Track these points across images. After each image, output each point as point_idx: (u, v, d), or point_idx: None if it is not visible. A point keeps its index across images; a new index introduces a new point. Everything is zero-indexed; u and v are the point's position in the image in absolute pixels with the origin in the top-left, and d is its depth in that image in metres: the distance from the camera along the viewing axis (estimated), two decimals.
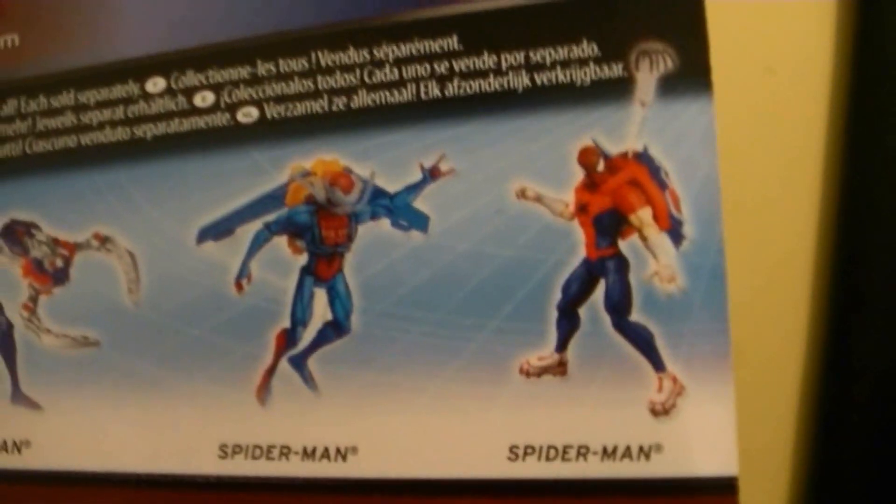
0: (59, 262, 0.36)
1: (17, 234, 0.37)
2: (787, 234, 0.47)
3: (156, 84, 0.36)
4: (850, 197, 0.44)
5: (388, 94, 0.34)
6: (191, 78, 0.36)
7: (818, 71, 0.44)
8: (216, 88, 0.36)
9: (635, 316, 0.32)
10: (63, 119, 0.37)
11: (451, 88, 0.33)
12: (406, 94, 0.34)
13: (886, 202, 0.44)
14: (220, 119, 0.35)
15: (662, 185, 0.32)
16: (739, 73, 0.47)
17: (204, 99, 0.36)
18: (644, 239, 0.33)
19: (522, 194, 0.33)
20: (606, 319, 0.32)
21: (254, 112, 0.35)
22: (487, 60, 0.33)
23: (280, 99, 0.35)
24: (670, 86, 0.33)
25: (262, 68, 0.35)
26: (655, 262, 0.32)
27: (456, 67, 0.33)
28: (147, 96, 0.36)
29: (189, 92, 0.36)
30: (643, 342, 0.32)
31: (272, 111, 0.35)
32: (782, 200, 0.48)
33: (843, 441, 0.44)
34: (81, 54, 0.37)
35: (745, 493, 0.48)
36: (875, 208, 0.44)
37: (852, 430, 0.43)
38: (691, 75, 0.33)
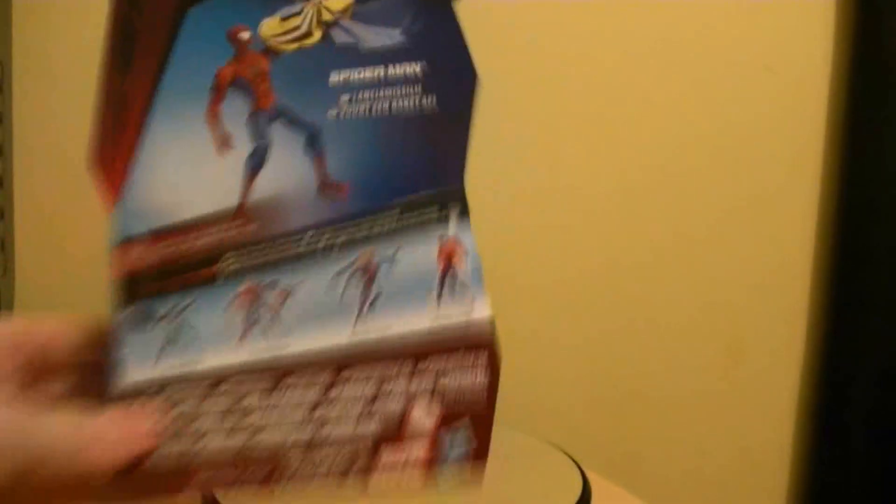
0: None
1: None
2: (787, 234, 0.48)
3: None
4: (850, 197, 0.45)
5: None
6: None
7: (818, 71, 0.44)
8: None
9: None
10: None
11: None
12: None
13: (886, 202, 0.44)
14: None
15: None
16: (739, 73, 0.47)
17: None
18: None
19: None
20: None
21: None
22: None
23: None
24: None
25: None
26: None
27: None
28: None
29: None
30: None
31: None
32: (782, 200, 0.48)
33: (842, 441, 0.44)
34: None
35: (745, 492, 0.48)
36: (875, 208, 0.44)
37: (851, 429, 0.43)
38: None
